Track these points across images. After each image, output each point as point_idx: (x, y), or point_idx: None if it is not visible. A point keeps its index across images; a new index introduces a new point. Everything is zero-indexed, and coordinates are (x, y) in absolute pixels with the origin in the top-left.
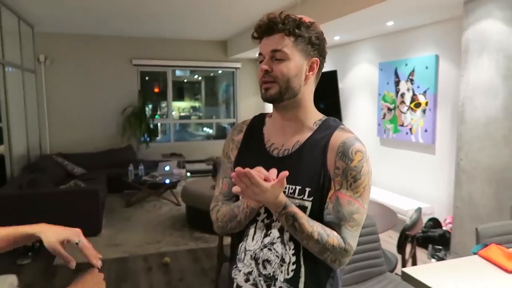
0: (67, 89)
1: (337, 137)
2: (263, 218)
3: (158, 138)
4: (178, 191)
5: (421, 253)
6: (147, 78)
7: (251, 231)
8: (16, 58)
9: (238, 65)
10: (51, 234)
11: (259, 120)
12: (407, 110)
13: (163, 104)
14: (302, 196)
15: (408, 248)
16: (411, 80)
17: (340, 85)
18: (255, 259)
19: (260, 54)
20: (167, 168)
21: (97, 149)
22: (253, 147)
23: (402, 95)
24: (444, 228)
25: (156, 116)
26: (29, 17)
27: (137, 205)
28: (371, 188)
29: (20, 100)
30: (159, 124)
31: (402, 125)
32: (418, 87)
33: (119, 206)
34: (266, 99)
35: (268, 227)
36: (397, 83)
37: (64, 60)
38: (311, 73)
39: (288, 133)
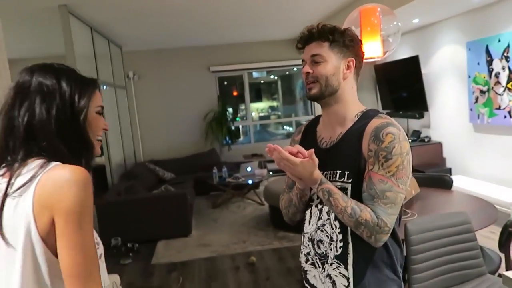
0: (154, 101)
1: (373, 124)
2: (317, 203)
3: (240, 139)
4: (260, 191)
5: None
6: (225, 83)
7: (307, 216)
8: (108, 77)
9: None
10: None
11: (315, 120)
12: (504, 91)
13: (242, 107)
14: (343, 179)
15: None
16: (506, 58)
17: (424, 70)
18: (312, 240)
19: (303, 60)
20: (249, 169)
21: (184, 154)
22: (308, 143)
23: (497, 74)
24: None
25: (237, 119)
26: (117, 39)
27: (222, 206)
28: (409, 169)
29: (114, 114)
30: (240, 126)
31: (498, 108)
32: None
33: (206, 208)
34: (310, 98)
35: (320, 212)
36: (489, 62)
37: (150, 74)
38: (348, 71)
39: (334, 127)
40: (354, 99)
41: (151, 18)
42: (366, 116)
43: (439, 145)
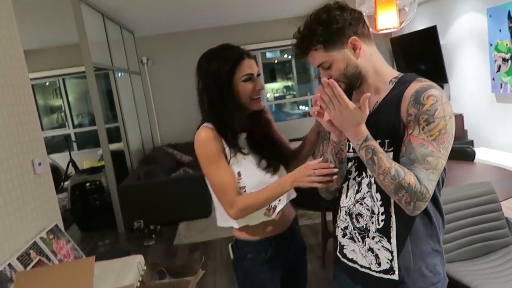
0: (169, 85)
1: (412, 88)
2: (354, 176)
3: None
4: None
5: None
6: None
7: (344, 189)
8: (122, 63)
9: None
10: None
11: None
12: None
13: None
14: (383, 148)
15: None
16: None
17: (442, 41)
18: (349, 214)
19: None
20: None
21: None
22: None
23: None
24: None
25: None
26: (129, 24)
27: None
28: (452, 134)
29: (130, 100)
30: None
31: None
32: None
33: None
34: (345, 91)
35: (359, 184)
36: None
37: (164, 59)
38: (357, 50)
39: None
40: (379, 65)
41: (162, 0)
42: (403, 81)
43: (460, 117)
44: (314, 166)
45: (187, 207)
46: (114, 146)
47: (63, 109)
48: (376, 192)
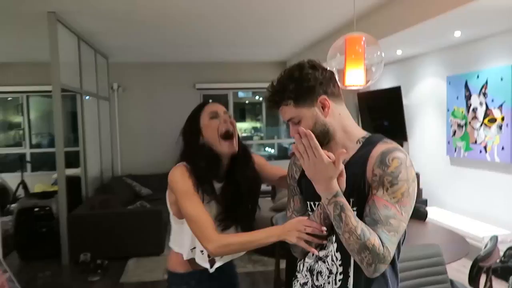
0: (137, 114)
1: (378, 149)
2: None
3: None
4: None
5: (500, 286)
6: (210, 100)
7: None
8: (92, 87)
9: None
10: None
11: None
12: (480, 126)
13: None
14: None
15: (483, 280)
16: (484, 94)
17: (405, 101)
18: (310, 270)
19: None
20: None
21: (163, 170)
22: None
23: (474, 110)
24: None
25: None
26: (104, 49)
27: None
28: (413, 198)
29: (95, 126)
30: None
31: (475, 143)
32: (493, 100)
33: None
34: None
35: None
36: (468, 97)
37: (135, 87)
38: (326, 109)
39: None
40: (347, 124)
41: (140, 30)
42: (370, 142)
43: (417, 176)
44: (308, 223)
45: (139, 242)
46: (70, 172)
47: (22, 126)
48: (336, 252)
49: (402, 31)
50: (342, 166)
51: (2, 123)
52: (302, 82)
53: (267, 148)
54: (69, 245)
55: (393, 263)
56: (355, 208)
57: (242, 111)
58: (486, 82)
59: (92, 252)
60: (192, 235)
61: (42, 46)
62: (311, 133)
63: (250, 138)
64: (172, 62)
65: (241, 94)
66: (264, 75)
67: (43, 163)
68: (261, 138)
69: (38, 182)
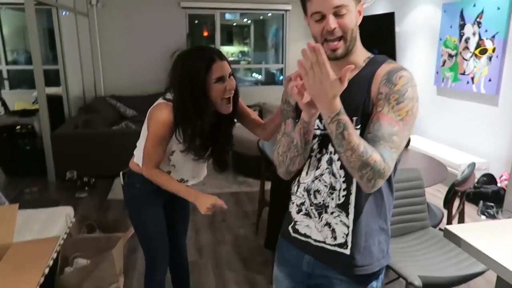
0: (118, 33)
1: (384, 68)
2: (316, 153)
3: None
4: None
5: (471, 209)
6: (196, 21)
7: (306, 166)
8: (69, 1)
9: (288, 7)
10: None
11: None
12: (471, 57)
13: None
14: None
15: (456, 203)
16: (479, 23)
17: (397, 29)
18: (307, 190)
19: (316, 12)
20: None
21: (147, 92)
22: None
23: (467, 40)
24: (499, 184)
25: None
26: None
27: None
28: (415, 117)
29: (74, 43)
30: None
31: (463, 74)
32: (486, 31)
33: None
34: (336, 58)
35: (318, 161)
36: (462, 26)
37: (115, 3)
38: (360, 17)
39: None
40: (360, 43)
41: None
42: (375, 62)
43: None
44: (215, 203)
45: (125, 162)
46: (51, 90)
47: None
48: (340, 169)
49: None
50: (346, 84)
51: None
52: None
53: (254, 74)
54: (55, 164)
55: (389, 180)
56: (358, 127)
57: (230, 34)
58: (482, 11)
59: (78, 171)
60: None
61: None
62: (320, 47)
63: (237, 62)
64: None
65: (228, 16)
66: None
67: (22, 81)
68: (249, 63)
69: (18, 100)
